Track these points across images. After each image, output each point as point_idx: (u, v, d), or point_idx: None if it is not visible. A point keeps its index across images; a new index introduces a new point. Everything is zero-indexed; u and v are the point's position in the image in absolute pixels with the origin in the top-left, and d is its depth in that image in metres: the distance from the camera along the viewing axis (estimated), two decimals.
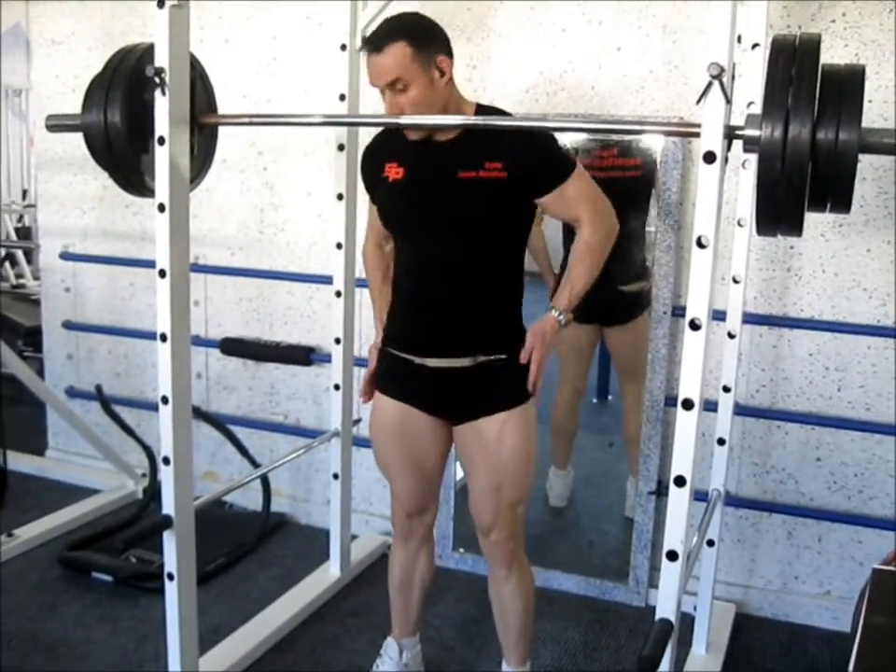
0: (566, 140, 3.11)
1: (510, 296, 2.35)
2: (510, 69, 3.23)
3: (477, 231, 2.23)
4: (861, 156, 1.69)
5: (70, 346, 4.29)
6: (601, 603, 3.29)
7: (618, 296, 3.30)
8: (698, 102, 1.78)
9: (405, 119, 2.20)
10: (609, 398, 3.84)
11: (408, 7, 3.24)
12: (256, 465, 3.75)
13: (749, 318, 2.95)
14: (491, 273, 2.29)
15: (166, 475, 2.37)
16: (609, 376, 3.79)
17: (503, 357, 2.30)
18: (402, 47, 2.13)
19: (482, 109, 2.31)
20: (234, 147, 3.55)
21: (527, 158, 2.18)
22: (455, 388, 2.32)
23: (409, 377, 2.36)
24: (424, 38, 2.18)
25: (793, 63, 1.69)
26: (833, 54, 2.78)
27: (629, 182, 3.11)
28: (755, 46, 2.54)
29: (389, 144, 2.35)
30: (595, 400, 3.79)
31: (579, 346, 3.44)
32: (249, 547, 3.59)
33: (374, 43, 2.17)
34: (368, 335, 3.51)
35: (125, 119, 2.31)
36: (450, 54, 2.23)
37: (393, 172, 2.31)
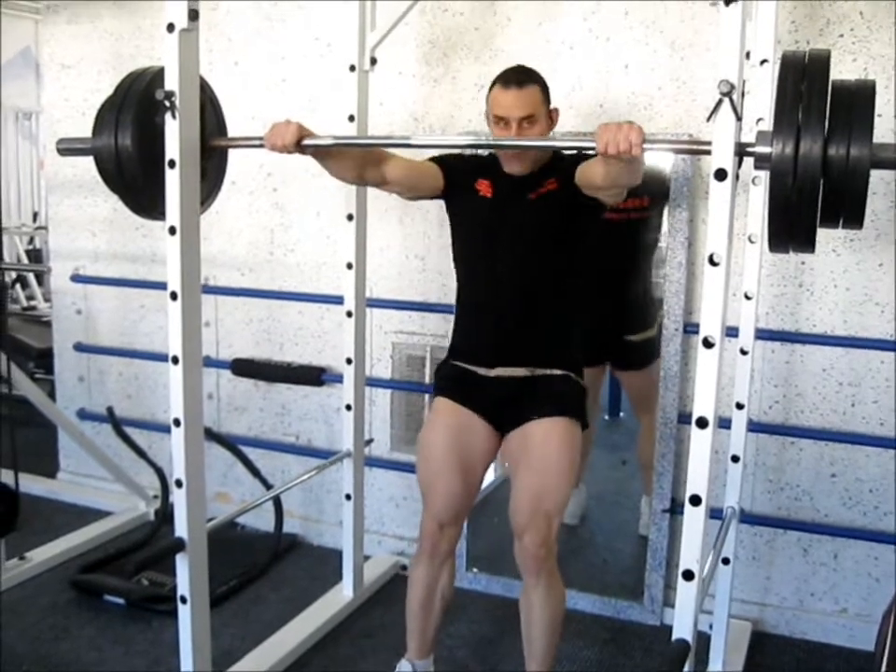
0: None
1: (569, 317, 2.56)
2: None
3: (547, 245, 2.48)
4: (871, 171, 1.68)
5: (81, 368, 4.29)
6: (616, 622, 3.27)
7: (626, 346, 3.37)
8: (709, 119, 1.77)
9: (417, 140, 2.21)
10: (622, 415, 3.83)
11: (416, 28, 3.29)
12: (268, 486, 3.74)
13: (762, 334, 2.93)
14: (556, 292, 2.53)
15: (179, 497, 2.37)
16: (621, 395, 3.79)
17: (558, 372, 2.51)
18: (537, 90, 2.42)
19: (556, 155, 2.54)
20: (243, 169, 3.55)
21: (568, 166, 2.39)
22: (512, 394, 2.50)
23: (471, 384, 2.54)
24: (546, 91, 2.46)
25: (803, 79, 1.69)
26: (841, 69, 2.78)
27: (632, 226, 3.18)
28: (763, 62, 2.54)
29: (485, 164, 2.59)
30: (606, 418, 3.78)
31: (590, 383, 3.45)
32: (261, 569, 3.58)
33: (516, 81, 2.40)
34: (379, 355, 3.52)
35: (136, 142, 2.32)
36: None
37: (484, 188, 2.55)
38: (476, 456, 2.55)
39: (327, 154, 2.39)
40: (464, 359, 2.59)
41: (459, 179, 2.60)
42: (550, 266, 2.50)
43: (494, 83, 2.46)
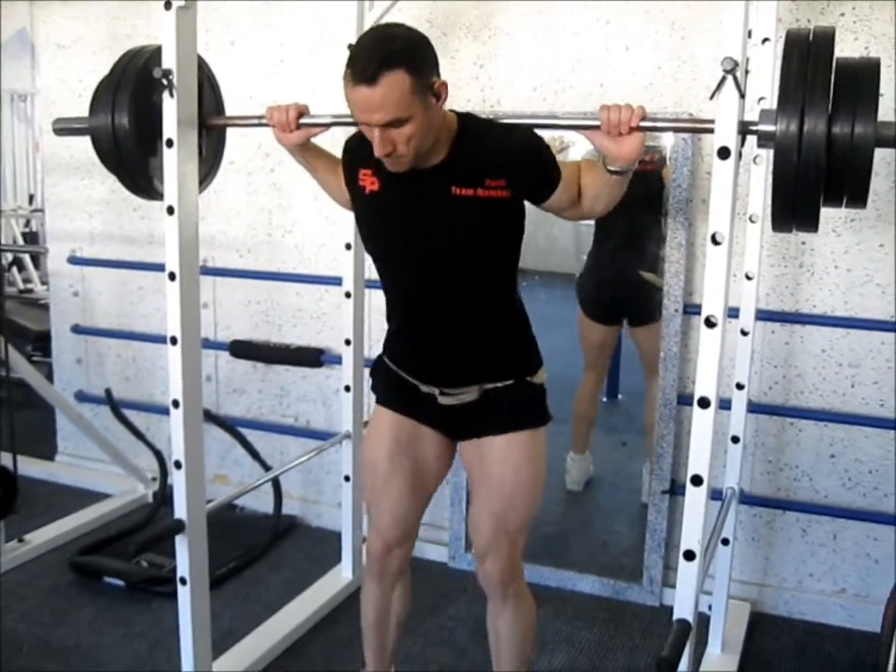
0: (574, 137, 3.11)
1: (510, 319, 2.16)
2: (517, 68, 3.22)
3: (473, 255, 2.01)
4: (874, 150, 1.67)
5: (79, 350, 4.28)
6: (615, 603, 3.27)
7: (640, 286, 3.30)
8: (712, 97, 1.76)
9: None
10: (620, 397, 3.84)
11: (414, 7, 3.25)
12: (266, 468, 3.74)
13: (762, 315, 2.93)
14: (488, 297, 2.10)
15: (178, 479, 2.37)
16: (620, 375, 3.79)
17: (509, 382, 2.14)
18: (401, 77, 1.78)
19: (462, 120, 2.03)
20: (241, 149, 3.53)
21: (531, 172, 1.98)
22: (463, 410, 2.17)
23: (414, 397, 2.20)
24: (422, 61, 1.84)
25: (808, 57, 1.67)
26: (842, 48, 2.73)
27: (646, 176, 3.07)
28: (765, 40, 2.52)
29: (367, 143, 1.93)
30: (605, 399, 3.78)
31: (602, 341, 3.49)
32: (260, 550, 3.58)
33: (366, 71, 1.78)
34: (378, 336, 3.51)
35: (133, 121, 2.30)
36: (439, 71, 1.92)
37: (368, 181, 2.06)
38: (428, 469, 2.27)
39: (315, 159, 2.29)
40: (401, 368, 2.21)
41: (347, 172, 2.14)
42: (480, 276, 2.05)
43: (347, 62, 1.83)
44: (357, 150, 2.06)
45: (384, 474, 2.26)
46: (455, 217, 1.98)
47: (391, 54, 1.77)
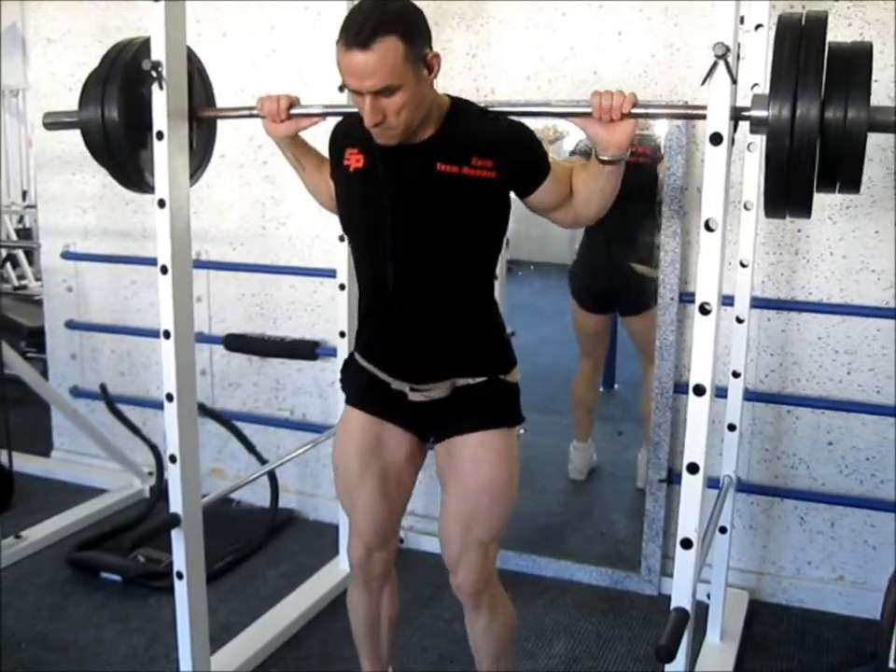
0: (566, 127, 3.11)
1: (486, 314, 2.12)
2: (510, 56, 3.20)
3: (453, 234, 1.98)
4: (868, 135, 1.66)
5: (73, 346, 4.27)
6: (613, 592, 3.27)
7: (632, 278, 3.31)
8: (703, 82, 1.75)
9: None
10: (616, 387, 3.83)
11: None
12: (263, 461, 3.73)
13: (758, 303, 2.92)
14: (466, 287, 2.05)
15: (173, 473, 2.35)
16: (615, 365, 3.79)
17: (481, 379, 2.09)
18: (394, 43, 1.77)
19: (455, 102, 2.03)
20: (233, 142, 3.52)
21: (519, 158, 1.96)
22: (435, 408, 2.11)
23: (384, 396, 2.14)
24: (415, 31, 1.84)
25: (800, 41, 1.66)
26: (836, 33, 2.70)
27: (640, 168, 3.07)
28: (758, 27, 2.51)
29: (355, 125, 1.97)
30: (601, 389, 3.78)
31: (596, 330, 3.53)
32: (258, 544, 3.58)
33: (359, 36, 1.77)
34: None
35: (123, 114, 2.28)
36: (432, 44, 1.92)
37: (354, 159, 2.03)
38: (401, 471, 2.21)
39: (303, 155, 2.28)
40: (372, 363, 2.15)
41: (334, 157, 2.12)
42: (459, 259, 2.01)
43: (341, 28, 1.82)
44: (344, 134, 2.09)
45: (356, 479, 2.20)
46: (438, 193, 1.95)
47: (386, 20, 1.77)
